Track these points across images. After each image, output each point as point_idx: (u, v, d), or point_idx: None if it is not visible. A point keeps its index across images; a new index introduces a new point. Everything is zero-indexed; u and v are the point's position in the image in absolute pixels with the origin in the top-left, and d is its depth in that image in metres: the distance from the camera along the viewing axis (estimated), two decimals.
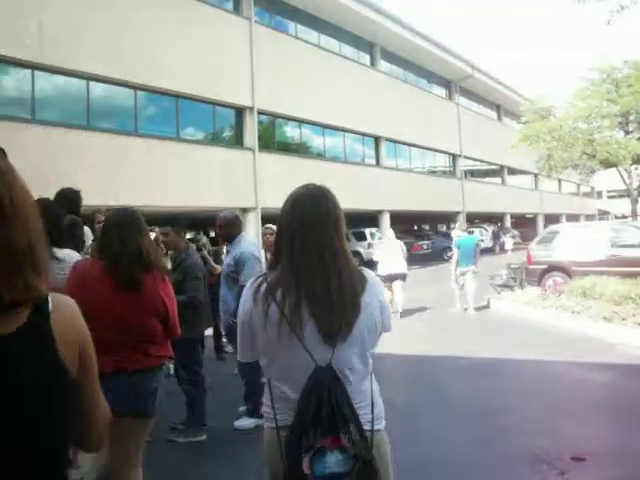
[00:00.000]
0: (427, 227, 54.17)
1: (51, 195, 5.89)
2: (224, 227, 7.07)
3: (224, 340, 9.78)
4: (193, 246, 7.32)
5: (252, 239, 7.34)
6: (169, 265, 7.05)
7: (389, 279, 14.84)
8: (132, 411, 3.80)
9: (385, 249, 15.57)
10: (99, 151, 19.16)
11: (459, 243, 15.72)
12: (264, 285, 2.53)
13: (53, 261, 4.22)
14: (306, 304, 2.46)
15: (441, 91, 44.33)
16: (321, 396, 2.38)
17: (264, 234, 9.38)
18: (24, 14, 17.27)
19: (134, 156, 20.35)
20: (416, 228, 51.10)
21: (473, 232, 40.90)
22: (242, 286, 6.38)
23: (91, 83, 20.12)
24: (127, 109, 21.57)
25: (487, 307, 16.11)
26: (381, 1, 33.41)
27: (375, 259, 15.86)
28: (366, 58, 35.26)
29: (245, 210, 25.13)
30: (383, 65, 36.52)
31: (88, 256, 4.78)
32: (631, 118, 30.35)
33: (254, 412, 6.81)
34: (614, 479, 5.07)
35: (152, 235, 8.97)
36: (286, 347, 2.46)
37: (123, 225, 3.86)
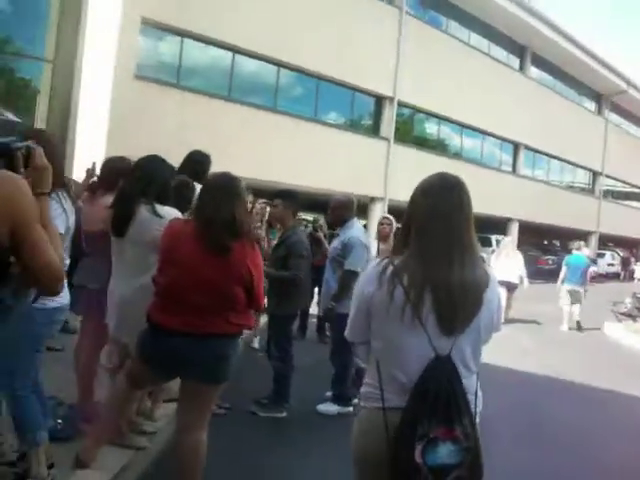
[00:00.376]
0: (557, 243, 52.36)
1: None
2: (337, 209, 7.03)
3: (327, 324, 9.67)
4: (302, 224, 7.20)
5: (361, 226, 7.17)
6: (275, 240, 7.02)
7: (503, 285, 14.34)
8: (206, 375, 3.79)
9: (501, 255, 15.63)
10: (235, 123, 19.53)
11: (568, 261, 15.87)
12: (390, 268, 2.49)
13: (154, 217, 4.27)
14: (430, 292, 2.44)
15: (590, 104, 42.58)
16: (439, 385, 2.38)
17: (380, 224, 9.27)
18: None
19: (269, 131, 20.67)
20: (546, 242, 49.51)
21: (604, 255, 39.72)
22: (348, 271, 6.47)
23: (236, 56, 20.49)
24: (268, 85, 22.00)
25: (598, 329, 15.58)
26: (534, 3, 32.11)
27: (490, 263, 15.47)
28: (516, 62, 34.36)
29: (373, 199, 25.18)
30: (532, 71, 35.49)
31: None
32: None
33: (339, 399, 6.78)
34: None
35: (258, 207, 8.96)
36: (407, 332, 2.45)
37: (220, 190, 3.84)
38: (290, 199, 6.66)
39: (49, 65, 18.31)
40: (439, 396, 2.36)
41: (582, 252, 16.21)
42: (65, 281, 3.94)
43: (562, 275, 15.77)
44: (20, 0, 18.63)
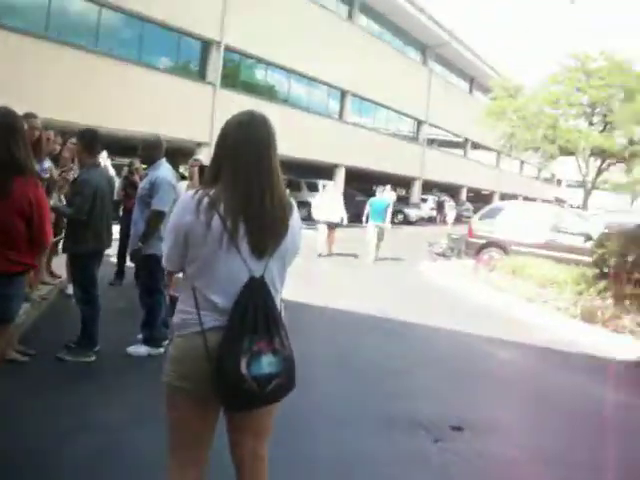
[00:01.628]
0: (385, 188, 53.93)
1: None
2: (145, 149, 6.99)
3: None
4: (102, 165, 7.15)
5: (169, 166, 7.16)
6: None
7: (325, 224, 17.70)
8: None
9: (325, 198, 18.51)
10: (53, 63, 18.68)
11: (371, 202, 18.21)
12: (206, 199, 2.63)
13: None
14: (244, 219, 2.63)
15: (416, 55, 43.99)
16: (257, 303, 2.61)
17: (190, 165, 9.35)
18: None
19: (92, 74, 19.93)
20: (374, 188, 50.97)
21: (427, 200, 41.80)
22: (155, 211, 6.50)
23: None
24: (89, 26, 21.10)
25: (414, 268, 16.82)
26: None
27: (313, 205, 18.47)
28: (344, 10, 34.74)
29: (199, 144, 24.86)
30: (360, 19, 36.05)
31: None
32: (597, 110, 30.54)
33: (149, 341, 6.80)
34: (483, 451, 5.10)
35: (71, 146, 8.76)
36: (224, 257, 2.63)
37: None
38: (84, 138, 6.53)
39: None
40: (257, 312, 2.59)
41: (383, 195, 18.51)
42: None
43: (365, 213, 18.23)
44: None
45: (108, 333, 6.79)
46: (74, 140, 8.55)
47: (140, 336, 6.94)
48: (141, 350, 6.77)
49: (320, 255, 17.52)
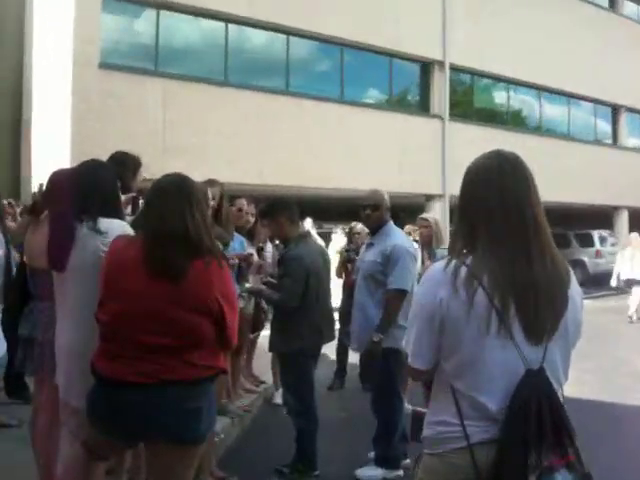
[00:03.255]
0: None
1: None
2: (369, 209, 6.82)
3: None
4: (312, 236, 7.11)
5: (402, 232, 7.07)
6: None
7: (627, 284, 19.40)
8: (171, 435, 3.67)
9: (625, 253, 19.93)
10: (236, 114, 19.72)
11: None
12: (463, 269, 2.61)
13: (94, 234, 4.10)
14: (514, 294, 2.57)
15: None
16: (540, 404, 2.48)
17: (419, 227, 9.34)
18: None
19: (280, 121, 20.57)
20: None
21: None
22: (395, 290, 6.37)
23: (231, 27, 20.82)
24: (276, 61, 21.94)
25: None
26: None
27: (617, 262, 20.69)
28: None
29: (429, 198, 25.02)
30: (627, 7, 34.91)
31: None
32: None
33: (384, 460, 6.68)
34: None
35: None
36: (494, 345, 2.56)
37: (168, 194, 3.76)
38: (277, 211, 6.62)
39: None
40: (543, 418, 2.46)
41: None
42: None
43: None
44: None
45: (330, 452, 6.92)
46: None
47: (372, 454, 6.85)
48: (374, 473, 6.66)
49: (631, 321, 18.64)
